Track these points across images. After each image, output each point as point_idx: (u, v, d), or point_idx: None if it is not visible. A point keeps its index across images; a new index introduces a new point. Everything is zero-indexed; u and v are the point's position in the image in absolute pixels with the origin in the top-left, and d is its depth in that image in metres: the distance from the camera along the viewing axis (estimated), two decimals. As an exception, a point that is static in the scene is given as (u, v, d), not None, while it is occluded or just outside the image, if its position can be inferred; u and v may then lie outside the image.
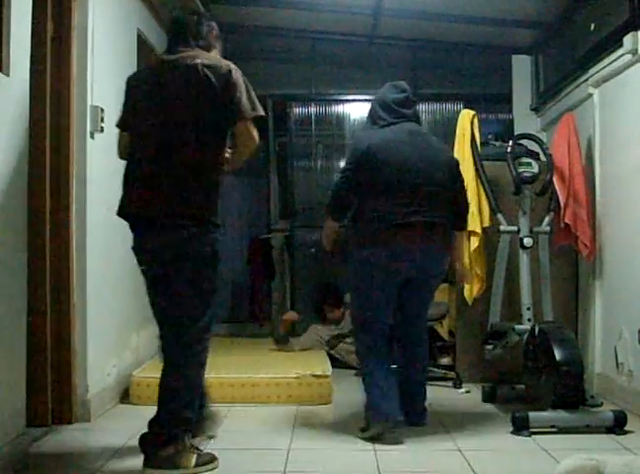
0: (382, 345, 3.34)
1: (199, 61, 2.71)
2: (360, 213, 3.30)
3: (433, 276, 3.41)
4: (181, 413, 2.68)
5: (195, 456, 2.68)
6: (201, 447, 2.84)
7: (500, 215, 4.00)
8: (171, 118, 2.70)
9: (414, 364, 3.48)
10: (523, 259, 3.91)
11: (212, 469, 2.71)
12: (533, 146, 4.26)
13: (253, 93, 2.77)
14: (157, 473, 2.62)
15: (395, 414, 3.22)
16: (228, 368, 4.15)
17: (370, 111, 3.48)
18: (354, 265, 3.34)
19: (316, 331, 5.27)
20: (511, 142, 4.05)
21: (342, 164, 6.07)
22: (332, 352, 5.09)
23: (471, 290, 4.26)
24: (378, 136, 3.33)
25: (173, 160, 2.67)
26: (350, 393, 4.23)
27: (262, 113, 2.77)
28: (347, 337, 5.11)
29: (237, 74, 2.74)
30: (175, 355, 2.73)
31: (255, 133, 2.76)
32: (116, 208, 2.77)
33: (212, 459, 2.76)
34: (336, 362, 4.84)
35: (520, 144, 4.23)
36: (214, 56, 2.84)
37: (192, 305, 2.71)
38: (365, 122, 3.53)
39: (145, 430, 2.74)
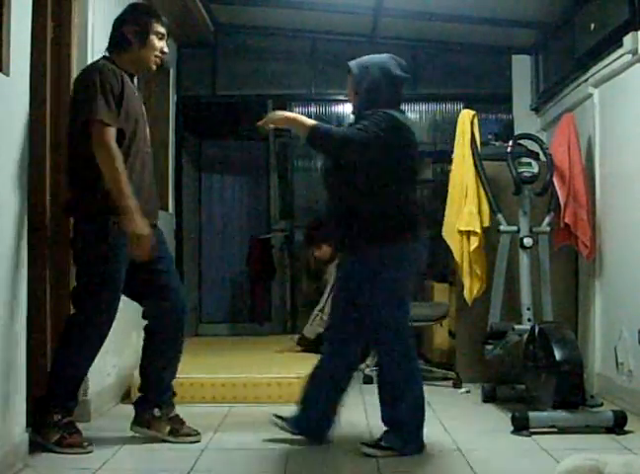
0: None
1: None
2: (393, 202, 2.96)
3: None
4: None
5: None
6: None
7: (500, 215, 3.99)
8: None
9: None
10: (523, 259, 3.91)
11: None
12: (533, 146, 4.27)
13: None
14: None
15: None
16: (228, 368, 4.15)
17: (372, 80, 3.16)
18: (391, 261, 2.95)
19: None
20: (511, 142, 4.05)
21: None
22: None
23: (471, 290, 4.26)
24: (407, 120, 3.10)
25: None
26: (349, 393, 4.22)
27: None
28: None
29: (85, 76, 2.90)
30: None
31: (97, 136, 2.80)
32: None
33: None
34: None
35: (520, 144, 4.24)
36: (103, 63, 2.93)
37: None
38: (367, 87, 3.16)
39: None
